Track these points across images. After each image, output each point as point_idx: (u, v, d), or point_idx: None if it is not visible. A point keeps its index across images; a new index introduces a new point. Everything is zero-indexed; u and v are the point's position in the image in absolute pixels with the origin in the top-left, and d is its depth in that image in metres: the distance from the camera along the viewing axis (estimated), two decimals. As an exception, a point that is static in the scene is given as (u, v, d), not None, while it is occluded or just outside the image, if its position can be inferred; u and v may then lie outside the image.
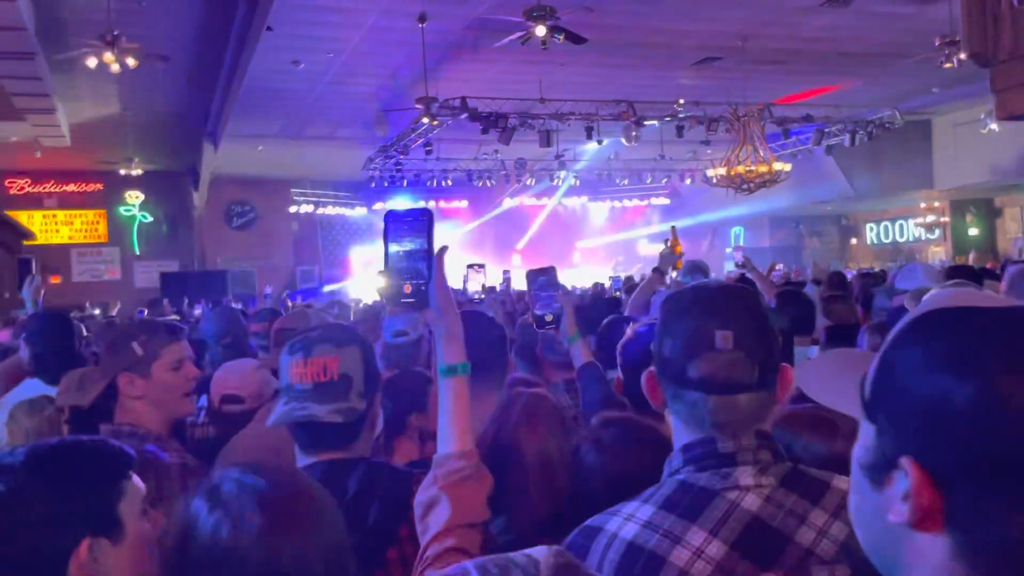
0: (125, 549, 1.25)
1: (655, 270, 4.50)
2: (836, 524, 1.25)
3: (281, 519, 1.23)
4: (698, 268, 5.41)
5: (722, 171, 14.91)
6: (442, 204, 23.56)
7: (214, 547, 1.20)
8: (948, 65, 10.99)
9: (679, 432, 1.36)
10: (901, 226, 23.08)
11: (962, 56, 10.31)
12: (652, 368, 1.39)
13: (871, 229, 24.17)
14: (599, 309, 5.34)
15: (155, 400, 2.29)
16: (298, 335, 1.81)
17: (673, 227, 5.77)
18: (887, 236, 23.61)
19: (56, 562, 1.18)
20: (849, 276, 8.66)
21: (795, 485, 1.29)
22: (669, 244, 5.23)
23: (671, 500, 1.30)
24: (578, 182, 21.98)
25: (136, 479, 1.32)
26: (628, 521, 1.30)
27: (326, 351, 1.75)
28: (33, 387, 3.38)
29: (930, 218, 21.84)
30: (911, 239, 22.70)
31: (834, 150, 17.37)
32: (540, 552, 0.96)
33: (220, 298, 13.42)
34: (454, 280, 10.05)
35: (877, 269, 12.35)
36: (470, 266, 13.52)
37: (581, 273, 22.16)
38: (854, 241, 24.65)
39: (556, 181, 21.14)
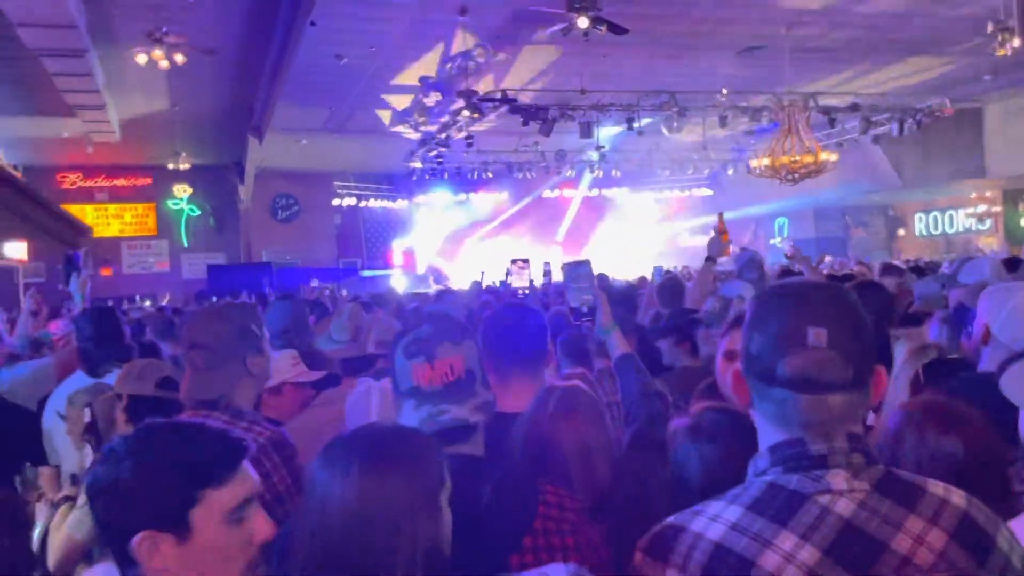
0: (192, 550, 1.30)
1: (707, 259, 4.52)
2: (934, 531, 1.21)
3: (383, 455, 1.36)
4: (755, 263, 5.37)
5: (766, 161, 14.70)
6: (483, 196, 23.65)
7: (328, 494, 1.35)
8: (1001, 52, 10.70)
9: (765, 432, 1.32)
10: (951, 216, 22.48)
11: (1016, 43, 10.06)
12: (738, 365, 1.34)
13: (919, 220, 23.58)
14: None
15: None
16: (411, 336, 1.76)
17: (720, 214, 5.69)
18: (936, 227, 23.01)
19: (124, 544, 1.28)
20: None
21: (889, 490, 1.25)
22: (717, 231, 5.18)
23: (760, 502, 1.27)
24: (619, 173, 21.83)
25: (236, 482, 1.34)
26: (714, 521, 1.28)
27: (448, 351, 1.73)
28: (78, 380, 3.49)
29: (981, 208, 21.24)
30: (961, 230, 22.10)
31: (881, 139, 17.00)
32: (556, 570, 0.98)
33: (263, 291, 13.56)
34: (497, 274, 10.10)
35: (925, 260, 12.07)
36: (514, 261, 13.50)
37: (619, 265, 22.05)
38: (901, 232, 24.08)
39: (597, 172, 21.03)
